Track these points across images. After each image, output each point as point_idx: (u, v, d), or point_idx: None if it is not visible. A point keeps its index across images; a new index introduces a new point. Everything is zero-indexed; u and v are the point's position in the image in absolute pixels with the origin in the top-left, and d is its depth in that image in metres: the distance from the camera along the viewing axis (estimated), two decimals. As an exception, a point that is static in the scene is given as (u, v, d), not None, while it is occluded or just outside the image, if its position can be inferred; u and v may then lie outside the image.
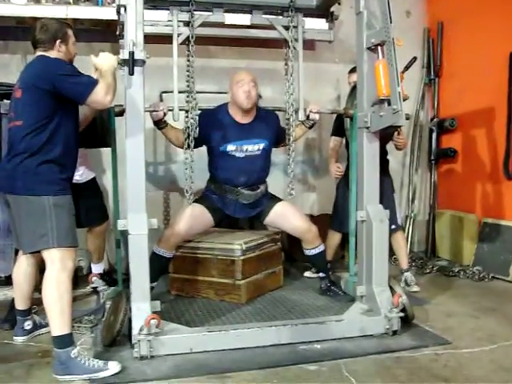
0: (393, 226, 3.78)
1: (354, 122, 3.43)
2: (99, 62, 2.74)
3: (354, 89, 3.65)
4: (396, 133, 3.87)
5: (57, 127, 2.66)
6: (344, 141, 4.13)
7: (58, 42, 2.83)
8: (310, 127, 3.77)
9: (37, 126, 2.61)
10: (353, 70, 3.94)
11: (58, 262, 2.59)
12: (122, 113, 2.98)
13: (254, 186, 3.65)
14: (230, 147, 3.55)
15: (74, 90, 2.63)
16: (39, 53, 2.82)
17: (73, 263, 2.68)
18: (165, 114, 3.39)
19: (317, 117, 3.66)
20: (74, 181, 3.30)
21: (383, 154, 3.81)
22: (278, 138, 3.77)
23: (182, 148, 3.51)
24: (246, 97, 3.48)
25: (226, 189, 3.62)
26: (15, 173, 2.62)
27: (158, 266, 3.51)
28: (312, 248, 3.72)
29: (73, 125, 2.79)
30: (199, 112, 3.51)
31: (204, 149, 3.70)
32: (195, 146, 3.49)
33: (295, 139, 3.72)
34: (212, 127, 3.55)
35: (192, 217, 3.57)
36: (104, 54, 2.78)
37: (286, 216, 3.71)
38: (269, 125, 3.69)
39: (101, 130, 3.31)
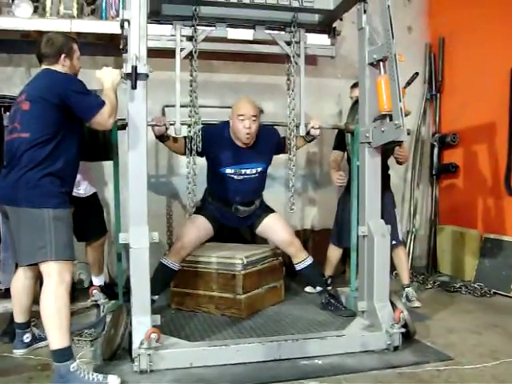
0: (393, 242, 3.77)
1: (355, 137, 3.44)
2: (102, 76, 2.78)
3: (355, 103, 3.66)
4: (397, 147, 3.87)
5: (61, 141, 2.67)
6: (345, 155, 4.14)
7: (62, 56, 2.86)
8: (310, 141, 3.80)
9: (43, 139, 2.62)
10: (355, 85, 3.95)
11: (56, 275, 2.59)
12: (124, 127, 3.00)
13: (249, 202, 3.73)
14: (229, 170, 3.61)
15: (81, 107, 2.66)
16: (44, 66, 2.84)
17: (70, 276, 2.67)
18: (167, 129, 3.41)
19: (317, 132, 3.68)
20: (76, 195, 3.33)
21: (384, 169, 3.81)
22: (278, 150, 3.81)
23: (185, 155, 3.53)
24: (245, 133, 3.53)
25: (222, 203, 3.71)
26: (17, 184, 2.61)
27: (164, 278, 3.58)
28: (299, 262, 3.74)
29: (76, 140, 2.80)
30: (202, 126, 3.53)
31: (205, 163, 3.73)
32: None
33: (295, 150, 3.72)
34: (213, 146, 3.58)
35: (197, 228, 3.69)
36: (107, 69, 2.81)
37: (274, 228, 3.78)
38: (268, 145, 3.73)
39: (103, 144, 3.32)
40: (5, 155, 2.78)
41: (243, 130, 3.51)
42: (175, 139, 3.55)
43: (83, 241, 3.81)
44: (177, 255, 3.60)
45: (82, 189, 3.69)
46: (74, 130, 2.75)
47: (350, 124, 3.62)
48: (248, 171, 3.64)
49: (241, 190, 3.66)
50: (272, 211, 3.85)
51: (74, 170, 2.85)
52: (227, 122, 3.66)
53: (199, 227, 3.69)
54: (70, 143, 2.73)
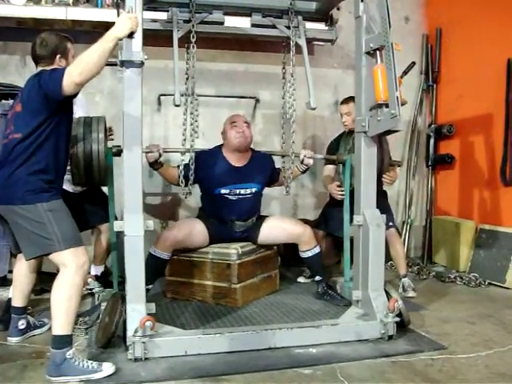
0: (390, 223, 3.83)
1: (346, 167, 3.52)
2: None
3: (349, 133, 3.67)
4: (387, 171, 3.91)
5: (48, 138, 2.61)
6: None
7: (57, 56, 2.82)
8: (304, 172, 3.84)
9: (31, 138, 2.57)
10: (344, 102, 3.98)
11: (72, 263, 2.55)
12: (119, 153, 3.00)
13: (245, 219, 3.76)
14: (224, 190, 3.65)
15: (50, 85, 2.52)
16: (40, 68, 2.78)
17: (87, 259, 2.63)
18: (160, 155, 3.46)
19: (311, 162, 3.74)
20: (73, 191, 3.33)
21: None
22: (272, 179, 3.90)
23: (178, 185, 3.56)
24: (240, 136, 3.59)
25: (218, 221, 3.72)
26: (7, 183, 2.59)
27: (155, 268, 3.52)
28: (308, 249, 3.73)
29: (64, 136, 2.74)
30: (194, 153, 3.55)
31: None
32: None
33: (289, 180, 3.75)
34: (206, 169, 3.62)
35: (192, 225, 3.67)
36: (124, 16, 2.56)
37: (279, 226, 3.79)
38: (262, 168, 3.79)
39: (97, 171, 3.13)
40: (0, 156, 2.74)
41: (237, 134, 3.59)
42: (168, 167, 3.64)
43: (90, 227, 3.79)
44: (164, 243, 3.51)
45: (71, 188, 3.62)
46: (61, 127, 2.68)
47: (342, 155, 3.65)
48: (242, 191, 3.67)
49: (235, 211, 3.69)
50: (265, 216, 3.88)
51: (63, 166, 2.79)
52: (220, 146, 3.72)
53: (195, 226, 3.68)
54: (57, 140, 2.66)
